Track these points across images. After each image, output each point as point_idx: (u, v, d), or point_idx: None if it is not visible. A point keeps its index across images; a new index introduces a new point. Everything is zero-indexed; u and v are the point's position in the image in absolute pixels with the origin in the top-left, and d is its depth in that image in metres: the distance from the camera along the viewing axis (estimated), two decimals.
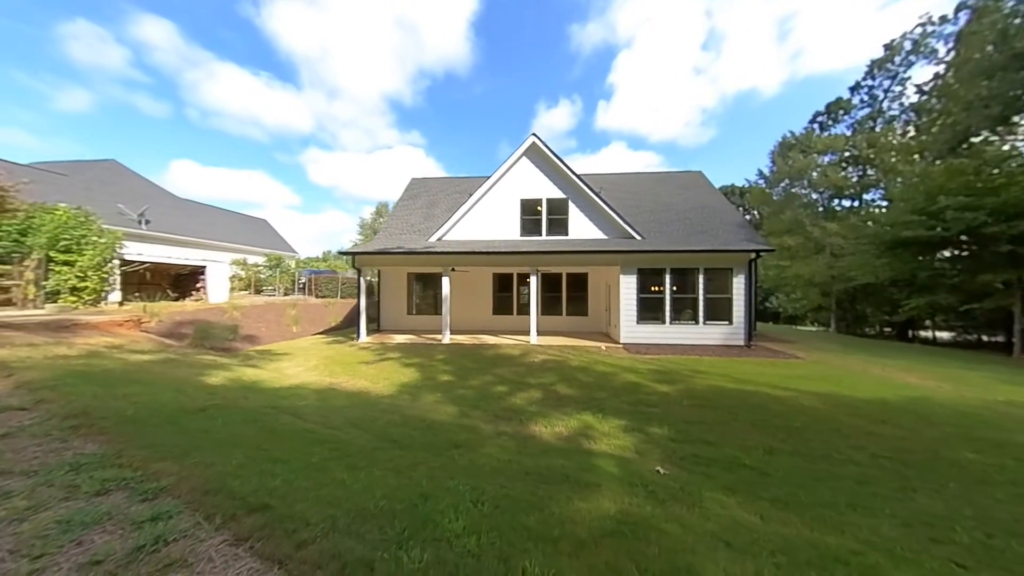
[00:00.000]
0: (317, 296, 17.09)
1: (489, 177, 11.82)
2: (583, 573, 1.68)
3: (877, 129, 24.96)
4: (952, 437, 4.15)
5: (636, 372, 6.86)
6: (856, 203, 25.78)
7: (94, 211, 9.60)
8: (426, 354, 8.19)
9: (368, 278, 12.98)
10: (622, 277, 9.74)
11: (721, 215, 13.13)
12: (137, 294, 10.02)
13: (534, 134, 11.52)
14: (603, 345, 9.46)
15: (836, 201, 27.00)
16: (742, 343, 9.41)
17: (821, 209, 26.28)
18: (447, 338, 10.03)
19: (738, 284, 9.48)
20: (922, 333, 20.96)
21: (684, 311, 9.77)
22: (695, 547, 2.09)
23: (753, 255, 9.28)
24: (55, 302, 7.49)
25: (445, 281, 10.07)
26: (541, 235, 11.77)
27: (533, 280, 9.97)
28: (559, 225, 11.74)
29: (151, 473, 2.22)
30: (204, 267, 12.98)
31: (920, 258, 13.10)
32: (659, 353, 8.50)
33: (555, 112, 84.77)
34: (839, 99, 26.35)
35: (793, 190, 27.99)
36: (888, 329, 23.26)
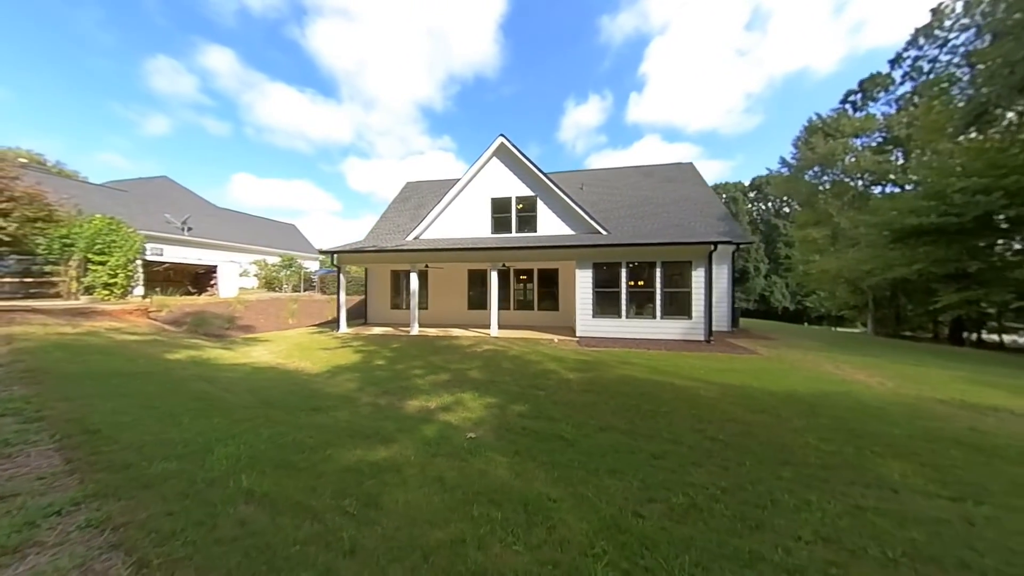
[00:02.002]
0: (324, 293, 18.72)
1: (459, 179, 12.42)
2: (293, 489, 2.24)
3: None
4: (821, 427, 4.07)
5: (561, 361, 7.11)
6: (902, 190, 23.21)
7: (142, 220, 11.52)
8: (383, 343, 8.96)
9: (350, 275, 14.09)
10: (578, 272, 9.90)
11: (703, 208, 12.73)
12: (158, 289, 11.89)
13: (502, 135, 11.94)
14: (555, 338, 9.70)
15: (879, 188, 24.45)
16: (702, 338, 9.20)
17: (851, 197, 23.93)
18: (415, 330, 10.78)
19: (697, 277, 9.27)
20: (986, 336, 18.03)
21: (641, 305, 9.73)
22: (407, 482, 2.55)
23: (712, 247, 9.02)
24: (91, 295, 9.23)
25: (413, 277, 10.81)
26: (511, 232, 12.16)
27: (493, 276, 10.42)
28: (528, 222, 12.07)
29: (44, 408, 3.06)
30: (216, 266, 14.90)
31: (948, 247, 11.43)
32: (610, 347, 8.60)
33: (584, 108, 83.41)
34: (875, 75, 23.68)
35: (824, 178, 25.81)
36: (937, 331, 20.64)
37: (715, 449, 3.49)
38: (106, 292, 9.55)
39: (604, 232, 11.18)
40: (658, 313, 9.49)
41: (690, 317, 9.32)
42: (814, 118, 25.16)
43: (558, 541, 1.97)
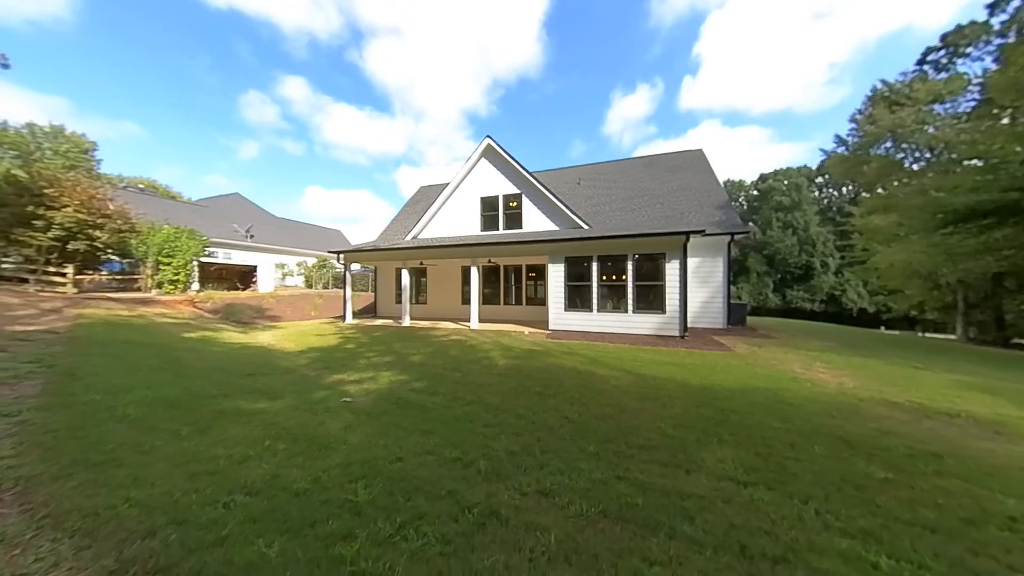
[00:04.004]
0: (354, 290, 20.91)
1: (447, 184, 13.20)
2: (158, 419, 3.08)
3: None
4: (697, 416, 3.94)
5: (508, 350, 7.45)
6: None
7: (216, 230, 14.21)
8: (368, 333, 10.04)
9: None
10: (550, 266, 10.05)
11: (701, 197, 11.98)
12: (211, 285, 14.52)
13: (488, 136, 12.45)
14: (527, 330, 9.96)
15: (974, 162, 20.24)
16: (676, 333, 8.79)
17: (934, 174, 20.03)
18: (406, 322, 11.78)
19: (671, 270, 8.87)
20: None
21: (613, 300, 9.57)
22: (249, 423, 3.26)
23: (685, 238, 8.57)
24: (161, 289, 11.75)
25: (404, 274, 11.81)
26: (499, 229, 12.62)
27: (474, 271, 10.99)
28: (514, 219, 12.43)
29: (57, 359, 4.35)
30: (256, 266, 17.58)
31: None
32: (579, 339, 8.67)
33: (632, 99, 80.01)
34: (962, 26, 19.35)
35: (900, 156, 22.00)
36: None
37: (556, 425, 3.66)
38: (171, 287, 12.09)
39: (585, 226, 11.13)
40: (630, 307, 9.27)
41: (664, 311, 8.96)
42: (878, 86, 21.47)
43: (324, 467, 2.51)
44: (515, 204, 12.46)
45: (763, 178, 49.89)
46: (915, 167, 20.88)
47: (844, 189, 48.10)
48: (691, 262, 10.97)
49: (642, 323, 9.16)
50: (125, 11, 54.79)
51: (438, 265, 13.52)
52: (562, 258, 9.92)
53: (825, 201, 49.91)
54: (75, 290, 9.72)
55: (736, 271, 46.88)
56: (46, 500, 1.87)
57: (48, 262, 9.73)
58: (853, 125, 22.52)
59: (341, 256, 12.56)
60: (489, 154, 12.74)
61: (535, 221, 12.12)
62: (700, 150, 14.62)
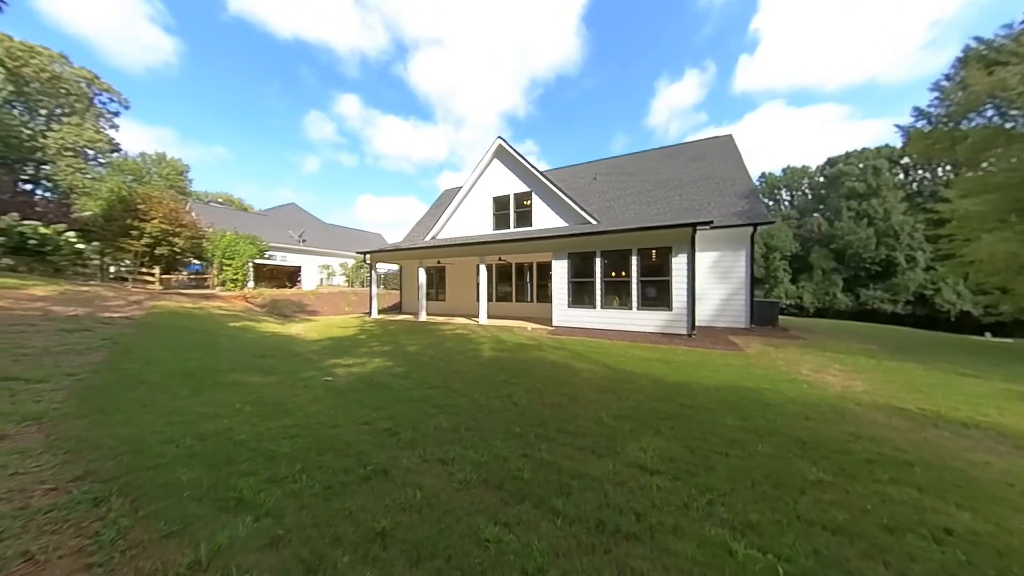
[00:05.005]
0: (386, 288, 22.54)
1: (453, 187, 13.72)
2: (172, 383, 3.86)
3: None
4: (651, 410, 3.88)
5: (501, 343, 7.68)
6: None
7: (274, 236, 16.53)
8: (384, 326, 10.89)
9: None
10: (554, 262, 10.06)
11: (724, 186, 11.15)
12: (264, 283, 16.68)
13: (500, 137, 12.75)
14: (529, 326, 10.08)
15: None
16: (683, 332, 8.33)
17: None
18: (422, 316, 12.53)
19: (678, 265, 8.42)
20: None
21: (618, 296, 9.31)
22: (236, 391, 3.91)
23: (692, 230, 8.07)
24: (224, 286, 13.85)
25: (421, 272, 12.57)
26: (509, 228, 12.87)
27: (482, 269, 11.36)
28: (524, 217, 12.59)
29: (123, 337, 5.49)
30: (300, 267, 19.73)
31: None
32: (580, 336, 8.63)
33: (679, 87, 75.29)
34: None
35: (1010, 125, 18.24)
36: None
37: (500, 409, 3.83)
38: (232, 284, 14.20)
39: (594, 222, 10.94)
40: (634, 304, 8.96)
41: (670, 309, 8.54)
42: (972, 45, 17.80)
43: (271, 426, 3.02)
44: (527, 203, 12.62)
45: (831, 162, 44.03)
46: None
47: (940, 170, 40.63)
48: (709, 256, 10.28)
49: (647, 320, 8.82)
50: (216, 51, 64.85)
51: (455, 264, 14.14)
52: (565, 254, 9.89)
53: (914, 185, 42.54)
54: (160, 287, 11.88)
55: (797, 268, 41.89)
56: (63, 431, 2.54)
57: (141, 264, 12.01)
58: (936, 94, 18.97)
59: (367, 256, 13.71)
60: (501, 154, 13.05)
61: (545, 219, 12.17)
62: (730, 135, 13.53)
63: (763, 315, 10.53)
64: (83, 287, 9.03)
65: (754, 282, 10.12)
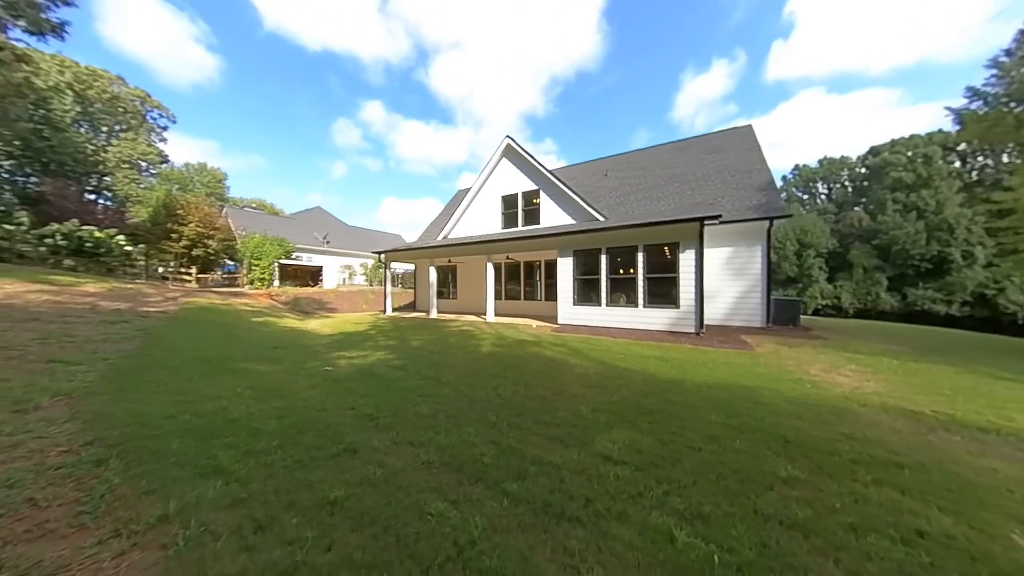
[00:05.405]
0: (403, 286, 23.25)
1: (466, 187, 13.92)
2: (188, 369, 4.26)
3: None
4: (636, 406, 3.86)
5: (501, 339, 7.78)
6: None
7: (300, 238, 17.64)
8: (395, 322, 11.28)
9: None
10: (559, 260, 10.03)
11: (740, 179, 10.68)
12: (288, 282, 17.71)
13: (508, 136, 12.84)
14: (534, 323, 10.11)
15: None
16: (691, 330, 8.06)
17: None
18: (433, 314, 12.85)
19: (686, 261, 8.16)
20: None
21: (623, 293, 9.14)
22: (243, 376, 4.25)
23: (699, 225, 7.79)
24: (252, 285, 14.87)
25: (431, 271, 12.89)
26: (517, 226, 12.94)
27: (489, 267, 11.50)
28: (532, 216, 12.61)
29: (155, 329, 6.06)
30: (321, 267, 20.72)
31: None
32: (584, 334, 8.58)
33: (706, 78, 72.16)
34: None
35: None
36: None
37: (484, 399, 3.94)
38: (259, 283, 15.22)
39: (601, 218, 10.79)
40: (641, 301, 8.77)
41: (677, 306, 8.29)
42: None
43: (263, 408, 3.29)
44: (536, 201, 12.63)
45: (874, 151, 40.76)
46: None
47: (1005, 156, 36.61)
48: (723, 252, 9.88)
49: (654, 318, 8.61)
50: (254, 66, 69.45)
51: (465, 263, 14.39)
52: (570, 252, 9.84)
53: (973, 174, 38.55)
54: (196, 285, 12.94)
55: (834, 266, 39.06)
56: (85, 405, 2.90)
57: (180, 265, 13.13)
58: (993, 72, 16.94)
59: (382, 256, 14.24)
60: (509, 153, 13.14)
61: (553, 216, 12.14)
62: (749, 126, 12.91)
63: (782, 314, 9.98)
64: (128, 285, 10.01)
65: (771, 279, 9.62)
